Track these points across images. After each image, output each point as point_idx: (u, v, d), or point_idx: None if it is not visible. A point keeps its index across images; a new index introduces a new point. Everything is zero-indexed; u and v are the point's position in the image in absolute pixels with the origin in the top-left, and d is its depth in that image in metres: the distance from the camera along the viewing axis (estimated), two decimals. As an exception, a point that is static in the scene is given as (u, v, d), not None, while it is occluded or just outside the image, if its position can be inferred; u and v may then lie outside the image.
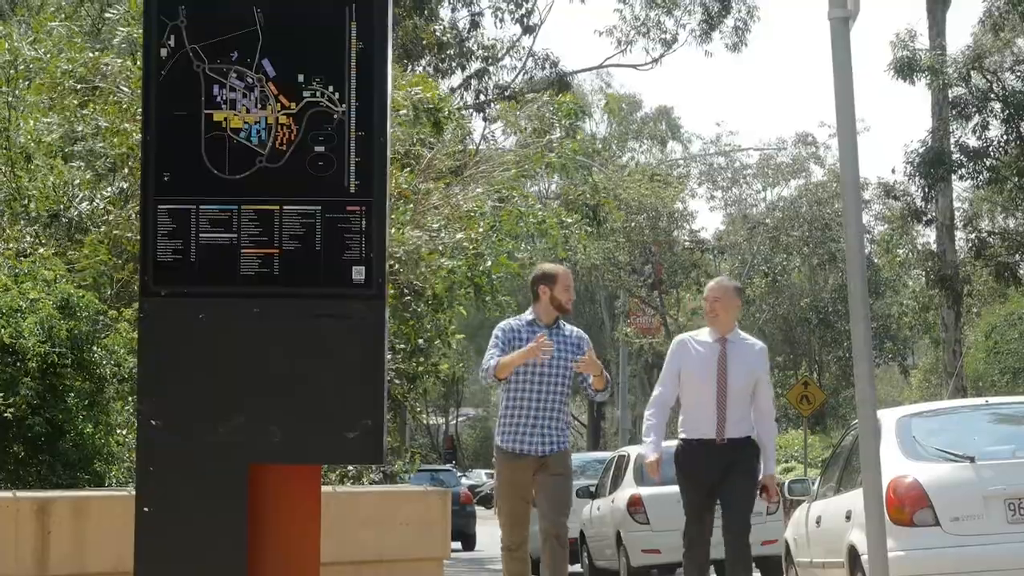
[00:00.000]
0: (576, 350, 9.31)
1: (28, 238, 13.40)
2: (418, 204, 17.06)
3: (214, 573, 4.87)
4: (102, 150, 14.02)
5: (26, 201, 13.51)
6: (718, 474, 9.22)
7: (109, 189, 13.86)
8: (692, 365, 9.40)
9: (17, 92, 14.04)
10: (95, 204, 13.55)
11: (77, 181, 13.55)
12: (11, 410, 10.24)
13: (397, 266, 15.46)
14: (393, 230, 15.56)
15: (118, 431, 11.52)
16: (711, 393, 9.28)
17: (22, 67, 14.51)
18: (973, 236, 31.81)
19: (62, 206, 13.49)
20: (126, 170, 14.00)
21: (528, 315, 9.43)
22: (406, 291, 15.88)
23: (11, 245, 13.16)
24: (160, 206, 4.98)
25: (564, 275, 9.40)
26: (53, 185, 13.49)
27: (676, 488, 17.89)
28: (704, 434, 9.29)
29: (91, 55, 14.83)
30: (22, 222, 13.68)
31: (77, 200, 13.46)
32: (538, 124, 20.05)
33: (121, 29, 15.41)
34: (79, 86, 14.68)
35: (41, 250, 12.69)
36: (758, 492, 9.38)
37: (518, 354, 9.07)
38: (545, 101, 21.33)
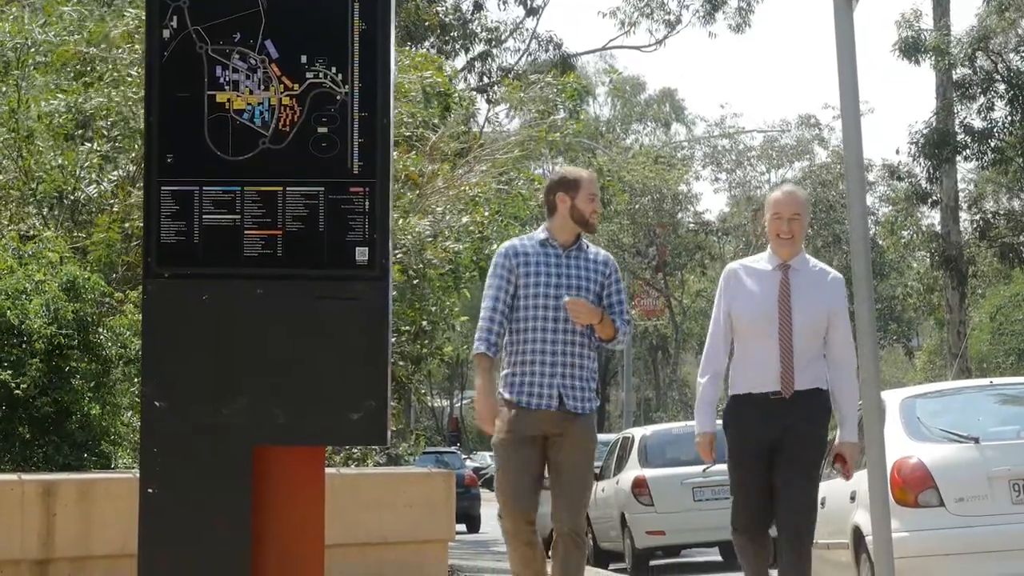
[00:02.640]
0: (603, 278, 7.38)
1: (36, 222, 13.41)
2: (423, 187, 17.05)
3: (218, 554, 4.88)
4: (104, 130, 14.02)
5: (34, 184, 13.52)
6: (778, 437, 7.22)
7: (116, 172, 13.85)
8: (745, 300, 7.39)
9: (26, 75, 14.04)
10: (102, 187, 13.54)
11: (86, 164, 13.55)
12: (19, 391, 10.24)
13: (400, 254, 15.45)
14: (400, 219, 15.57)
15: (124, 413, 11.53)
16: (771, 334, 7.26)
17: (32, 50, 14.50)
18: (978, 217, 31.80)
19: (70, 187, 13.50)
20: (133, 153, 14.00)
21: (541, 232, 7.38)
22: (412, 272, 15.87)
23: (18, 226, 13.16)
24: (163, 187, 4.98)
25: (589, 180, 7.38)
26: (60, 167, 13.48)
27: (680, 470, 18.08)
28: (761, 387, 7.28)
29: (99, 30, 14.82)
30: (30, 205, 13.69)
31: (85, 183, 13.46)
32: (543, 105, 20.02)
33: (130, 11, 15.38)
34: (88, 68, 14.69)
35: (48, 232, 12.69)
36: (831, 462, 7.64)
37: (482, 392, 7.14)
38: (549, 82, 21.30)
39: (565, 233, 7.31)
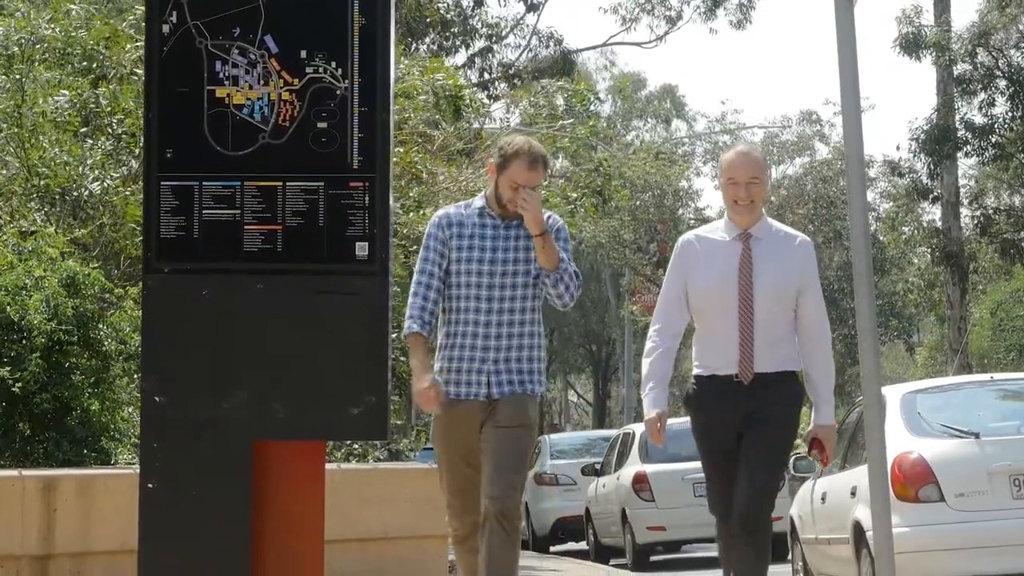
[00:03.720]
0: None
1: (38, 219, 13.41)
2: (428, 186, 17.06)
3: (218, 549, 4.88)
4: (109, 128, 14.03)
5: (37, 180, 13.52)
6: (741, 424, 6.58)
7: (123, 169, 13.85)
8: (703, 273, 6.63)
9: (32, 71, 14.05)
10: (106, 184, 13.55)
11: (90, 161, 13.55)
12: (18, 386, 10.25)
13: (402, 254, 15.46)
14: (403, 213, 15.58)
15: (124, 408, 11.54)
16: (731, 311, 6.55)
17: (38, 46, 14.52)
18: (979, 213, 31.76)
19: (74, 183, 13.50)
20: (137, 150, 14.01)
21: (479, 199, 6.55)
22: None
23: (19, 222, 13.17)
24: (163, 183, 4.98)
25: (525, 156, 6.36)
26: (64, 163, 13.49)
27: (682, 466, 18.11)
28: (721, 368, 6.59)
29: (103, 31, 14.83)
30: (33, 201, 13.70)
31: (89, 180, 13.46)
32: (550, 110, 20.04)
33: (139, 8, 15.41)
34: (94, 64, 14.71)
35: (50, 228, 12.70)
36: (808, 447, 6.88)
37: (418, 372, 6.32)
38: (561, 86, 21.35)
39: (502, 205, 6.45)
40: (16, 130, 13.63)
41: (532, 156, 6.38)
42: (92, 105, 13.98)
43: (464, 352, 6.40)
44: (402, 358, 17.83)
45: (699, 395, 6.72)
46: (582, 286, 6.63)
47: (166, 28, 5.01)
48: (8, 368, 10.24)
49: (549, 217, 6.52)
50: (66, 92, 14.02)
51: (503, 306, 6.42)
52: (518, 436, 6.38)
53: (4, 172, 13.93)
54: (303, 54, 5.00)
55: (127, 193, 13.44)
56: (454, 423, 6.43)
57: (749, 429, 6.55)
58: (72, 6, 15.05)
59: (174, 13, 5.01)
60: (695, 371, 6.76)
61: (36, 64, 14.33)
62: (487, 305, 6.40)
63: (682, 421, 20.26)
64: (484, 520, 6.22)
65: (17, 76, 13.80)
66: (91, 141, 13.96)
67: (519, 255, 6.44)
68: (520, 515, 6.41)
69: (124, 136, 14.04)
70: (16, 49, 14.20)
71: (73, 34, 14.65)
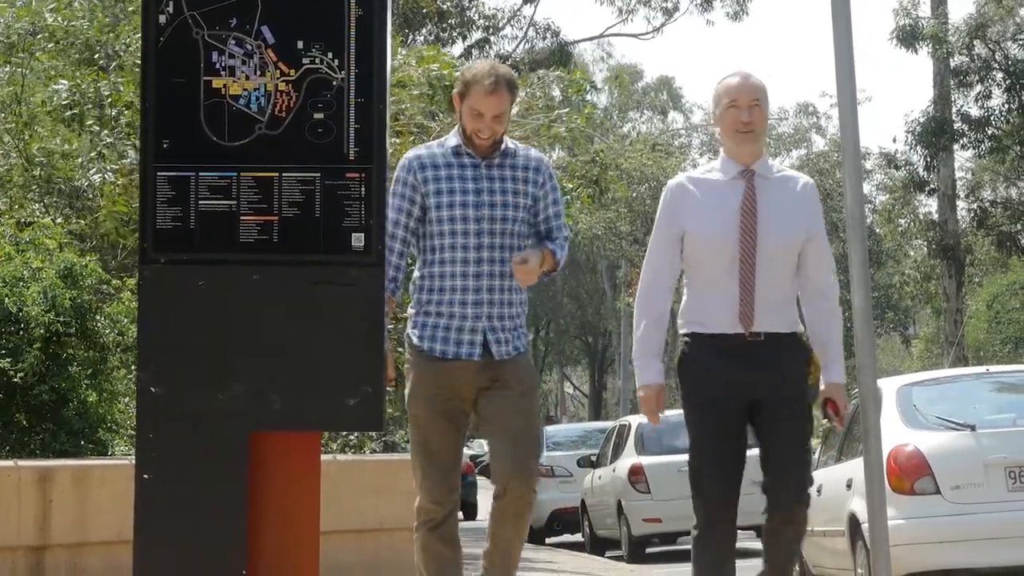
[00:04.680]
0: (535, 188, 5.91)
1: (36, 210, 13.41)
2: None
3: (214, 540, 4.88)
4: (111, 119, 14.04)
5: (36, 171, 13.53)
6: (747, 390, 5.80)
7: (123, 161, 13.86)
8: (701, 218, 5.85)
9: (32, 60, 14.06)
10: (105, 175, 13.55)
11: (92, 154, 13.56)
12: (17, 378, 10.26)
13: None
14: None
15: (121, 400, 11.55)
16: (731, 259, 5.79)
17: (40, 36, 14.53)
18: (975, 205, 31.79)
19: (76, 175, 13.51)
20: (137, 141, 14.00)
21: (452, 137, 5.93)
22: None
23: (18, 213, 13.17)
24: (159, 173, 4.97)
25: (485, 79, 5.74)
26: (62, 153, 13.50)
27: (678, 457, 18.12)
28: (722, 326, 5.81)
29: (109, 21, 14.86)
30: (33, 192, 13.70)
31: (91, 172, 13.47)
32: (546, 101, 20.05)
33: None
34: (94, 55, 14.72)
35: (47, 219, 12.70)
36: (823, 410, 6.12)
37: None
38: (559, 75, 21.35)
39: (471, 146, 5.86)
40: (15, 119, 13.64)
41: (494, 79, 5.72)
42: (91, 95, 13.99)
43: (454, 308, 5.77)
44: (399, 349, 17.86)
45: (697, 358, 5.85)
46: (570, 239, 6.11)
47: (162, 18, 5.00)
48: (6, 360, 10.24)
49: (528, 159, 5.93)
50: (65, 81, 14.02)
51: (493, 255, 5.78)
52: (530, 403, 5.86)
53: (3, 162, 13.93)
54: (300, 45, 5.00)
55: (118, 185, 13.43)
56: (443, 386, 5.78)
57: (770, 399, 5.79)
58: None
59: (170, 3, 5.01)
60: (689, 329, 5.92)
61: (37, 54, 14.33)
62: (476, 255, 5.77)
63: (678, 413, 20.26)
64: (503, 497, 5.77)
65: (17, 66, 13.81)
66: (90, 132, 13.95)
67: (506, 197, 5.82)
68: (536, 492, 5.91)
69: (124, 127, 14.05)
70: (16, 38, 14.21)
71: (75, 24, 14.65)
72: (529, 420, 5.83)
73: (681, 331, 5.97)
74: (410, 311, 5.93)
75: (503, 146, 5.88)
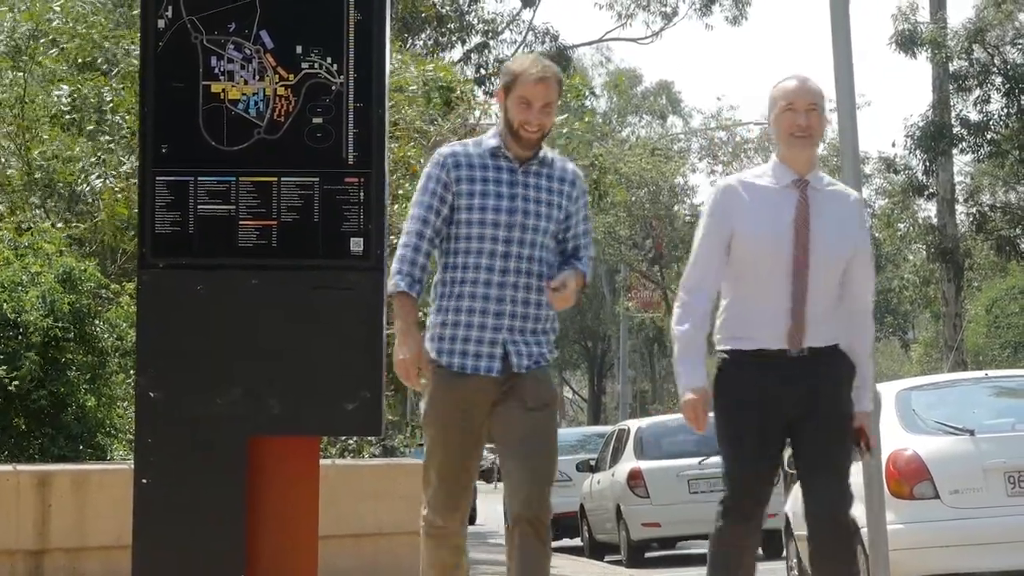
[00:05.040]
0: (568, 202, 5.59)
1: (39, 213, 13.42)
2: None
3: (212, 545, 4.88)
4: (116, 125, 14.05)
5: (37, 175, 13.54)
6: (792, 409, 5.52)
7: (124, 168, 13.87)
8: (752, 225, 5.55)
9: (32, 65, 14.06)
10: (106, 181, 13.56)
11: (92, 159, 13.57)
12: (15, 383, 10.24)
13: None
14: (396, 206, 15.58)
15: (120, 404, 11.54)
16: (783, 271, 5.50)
17: (42, 40, 14.54)
18: (974, 210, 31.77)
19: (76, 180, 13.51)
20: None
21: (492, 138, 5.54)
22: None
23: (18, 217, 13.17)
24: (158, 178, 4.98)
25: (530, 77, 5.47)
26: (63, 158, 13.51)
27: (677, 462, 18.13)
28: (766, 341, 5.51)
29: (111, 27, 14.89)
30: (33, 196, 13.71)
31: (93, 177, 13.48)
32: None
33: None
34: (98, 60, 14.73)
35: (47, 223, 12.70)
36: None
37: (403, 335, 5.20)
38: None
39: (515, 142, 5.49)
40: (17, 122, 13.65)
41: (542, 67, 5.50)
42: (93, 100, 13.99)
43: (474, 317, 5.40)
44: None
45: (738, 374, 5.56)
46: (594, 259, 5.78)
47: (161, 23, 5.01)
48: (4, 365, 10.23)
49: (565, 170, 5.63)
50: (66, 86, 14.03)
51: (520, 265, 5.44)
52: (546, 421, 5.49)
53: (4, 164, 13.93)
54: (299, 49, 5.00)
55: (118, 190, 13.44)
56: (459, 401, 5.39)
57: (811, 416, 5.50)
58: (79, 1, 15.07)
59: (170, 8, 5.01)
60: (728, 345, 5.63)
61: (39, 59, 14.34)
62: (502, 263, 5.41)
63: (677, 417, 20.27)
64: (515, 525, 5.35)
65: (19, 70, 13.81)
66: (90, 137, 13.96)
67: (540, 208, 5.49)
68: (550, 513, 5.49)
69: (125, 132, 14.05)
70: (19, 42, 14.22)
71: (79, 29, 14.66)
72: (546, 444, 5.48)
73: (719, 347, 5.64)
74: (429, 319, 5.50)
75: (541, 153, 5.55)
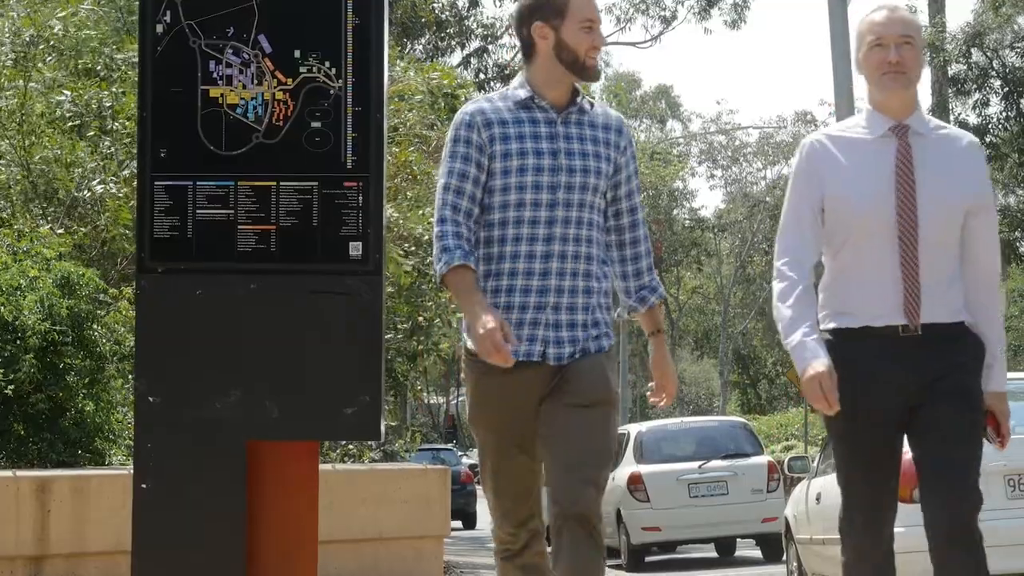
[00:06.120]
0: (616, 153, 4.85)
1: (40, 222, 13.43)
2: (424, 187, 17.11)
3: (212, 550, 4.87)
4: (115, 131, 14.06)
5: (37, 180, 13.55)
6: (908, 396, 4.72)
7: (125, 172, 13.88)
8: (845, 183, 4.78)
9: (33, 70, 14.08)
10: (108, 186, 13.57)
11: (92, 164, 13.58)
12: (11, 388, 10.25)
13: (403, 254, 15.46)
14: (397, 213, 15.59)
15: (119, 409, 11.54)
16: (888, 235, 4.70)
17: (43, 46, 14.56)
18: (973, 213, 31.78)
19: (77, 184, 13.53)
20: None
21: (520, 88, 4.83)
22: (411, 270, 15.89)
23: (17, 222, 13.19)
24: (157, 183, 4.97)
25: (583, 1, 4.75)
26: (67, 165, 13.53)
27: (677, 466, 18.16)
28: (878, 317, 4.72)
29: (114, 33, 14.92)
30: (34, 202, 13.72)
31: (94, 182, 13.49)
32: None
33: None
34: (98, 66, 14.76)
35: (46, 228, 12.71)
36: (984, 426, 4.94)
37: (476, 309, 4.58)
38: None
39: (554, 86, 4.78)
40: (18, 128, 13.66)
41: None
42: (94, 106, 14.02)
43: (514, 297, 4.71)
44: (398, 358, 17.84)
45: (845, 358, 4.72)
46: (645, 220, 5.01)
47: (159, 28, 5.00)
48: (2, 369, 10.23)
49: (608, 117, 4.89)
50: (67, 92, 14.05)
51: (567, 232, 4.70)
52: (600, 420, 4.72)
53: (5, 171, 13.95)
54: (297, 54, 4.99)
55: (121, 195, 13.46)
56: (504, 406, 4.75)
57: (933, 405, 4.72)
58: (81, 7, 15.09)
59: (167, 13, 5.01)
60: (830, 323, 4.84)
61: (40, 65, 14.36)
62: (546, 231, 4.69)
63: (677, 421, 20.27)
64: (560, 521, 4.63)
65: (20, 80, 13.83)
66: (91, 142, 13.97)
67: (587, 162, 4.75)
68: (601, 519, 4.78)
69: (125, 138, 14.07)
70: (20, 49, 14.24)
71: (81, 34, 14.68)
72: (598, 437, 4.71)
73: (821, 326, 4.86)
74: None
75: (577, 98, 4.82)
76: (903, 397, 4.72)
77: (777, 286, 4.81)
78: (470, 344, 4.68)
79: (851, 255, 4.79)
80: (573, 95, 4.81)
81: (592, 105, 4.87)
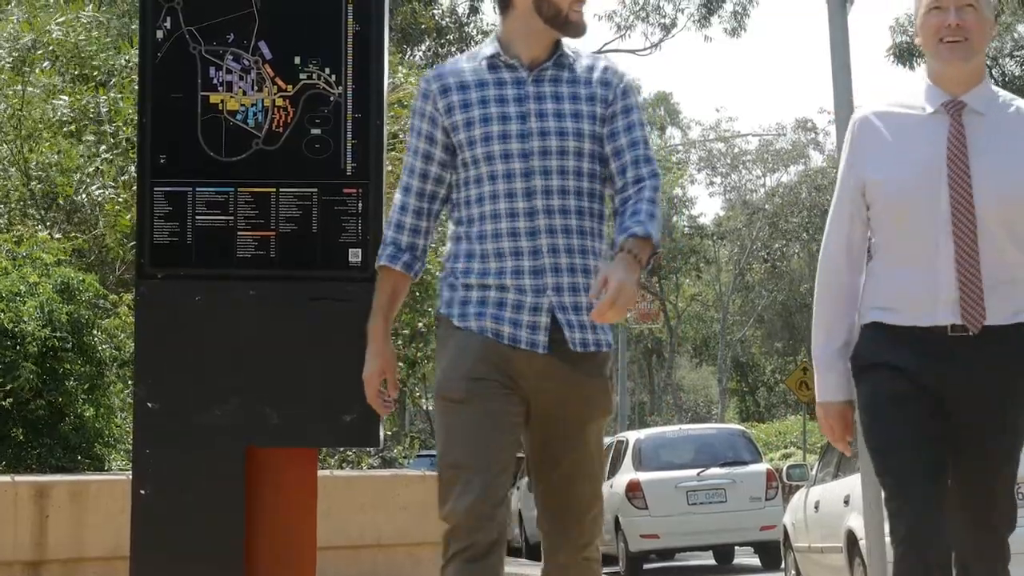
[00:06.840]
0: (603, 108, 4.13)
1: (39, 226, 13.44)
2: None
3: (211, 556, 4.87)
4: (110, 135, 14.07)
5: (35, 185, 13.56)
6: (964, 401, 4.09)
7: (123, 177, 13.88)
8: (888, 165, 4.18)
9: (32, 75, 14.09)
10: (106, 191, 13.58)
11: (90, 169, 13.59)
12: (10, 399, 10.25)
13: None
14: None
15: (118, 414, 11.54)
16: (940, 224, 4.10)
17: (40, 51, 14.57)
18: (973, 221, 31.83)
19: (75, 189, 13.53)
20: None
21: (488, 46, 4.20)
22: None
23: (16, 227, 13.19)
24: (157, 188, 4.98)
25: None
26: (64, 168, 13.54)
27: (674, 473, 18.17)
28: (924, 315, 4.11)
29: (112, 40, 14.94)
30: (32, 208, 13.72)
31: (93, 187, 13.50)
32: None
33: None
34: (95, 73, 14.77)
35: (44, 233, 12.71)
36: None
37: (371, 343, 4.20)
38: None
39: (530, 41, 4.13)
40: (15, 132, 13.67)
41: None
42: (92, 111, 14.02)
43: (505, 279, 4.04)
44: (398, 365, 17.83)
45: (886, 357, 4.15)
46: (659, 177, 4.18)
47: (160, 34, 5.01)
48: (2, 375, 10.23)
49: (594, 67, 4.20)
50: (66, 97, 14.05)
51: (551, 203, 4.04)
52: (594, 435, 4.22)
53: (3, 175, 13.95)
54: (297, 60, 5.00)
55: (120, 200, 13.46)
56: (492, 364, 4.03)
57: (977, 415, 4.11)
58: (83, 13, 15.10)
59: (168, 19, 5.01)
60: (871, 317, 4.21)
61: (37, 70, 14.37)
62: (526, 204, 4.03)
63: (675, 429, 20.26)
64: (566, 564, 4.29)
65: (18, 85, 13.84)
66: (90, 147, 13.97)
67: (563, 123, 4.09)
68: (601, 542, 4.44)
69: (123, 143, 14.08)
70: (18, 54, 14.25)
71: (81, 39, 14.69)
72: (593, 470, 4.23)
73: (860, 321, 4.29)
74: (442, 290, 4.17)
75: (559, 52, 4.16)
76: (945, 400, 4.09)
77: (819, 280, 4.35)
78: (456, 321, 4.07)
79: (897, 246, 4.20)
80: (554, 47, 4.16)
81: (576, 58, 4.19)
